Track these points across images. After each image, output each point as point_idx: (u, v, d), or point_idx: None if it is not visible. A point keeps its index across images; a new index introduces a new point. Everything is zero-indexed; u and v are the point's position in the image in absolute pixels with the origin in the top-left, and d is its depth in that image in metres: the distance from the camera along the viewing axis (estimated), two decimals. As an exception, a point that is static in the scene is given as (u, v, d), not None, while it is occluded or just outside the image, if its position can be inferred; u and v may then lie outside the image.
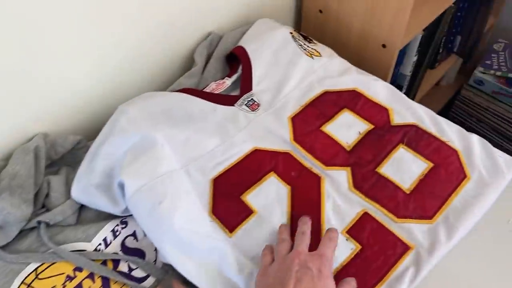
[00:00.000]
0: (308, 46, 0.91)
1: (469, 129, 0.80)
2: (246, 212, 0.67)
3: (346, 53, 0.96)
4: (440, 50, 1.40)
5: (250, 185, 0.70)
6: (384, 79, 0.93)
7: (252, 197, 0.68)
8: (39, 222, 0.68)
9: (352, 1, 0.99)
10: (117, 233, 0.69)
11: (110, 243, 0.68)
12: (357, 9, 0.99)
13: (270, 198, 0.69)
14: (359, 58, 1.05)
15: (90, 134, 0.81)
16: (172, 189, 0.66)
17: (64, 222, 0.69)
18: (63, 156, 0.78)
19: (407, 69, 1.26)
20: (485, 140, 0.76)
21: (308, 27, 1.16)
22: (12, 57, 0.68)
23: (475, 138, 0.76)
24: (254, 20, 1.03)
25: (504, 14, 1.60)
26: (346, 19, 1.04)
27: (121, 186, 0.67)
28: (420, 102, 1.40)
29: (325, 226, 0.65)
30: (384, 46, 1.00)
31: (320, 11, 1.10)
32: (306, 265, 0.54)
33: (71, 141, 0.78)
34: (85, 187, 0.70)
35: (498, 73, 1.52)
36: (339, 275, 0.60)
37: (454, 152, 0.74)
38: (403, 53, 1.20)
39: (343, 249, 0.63)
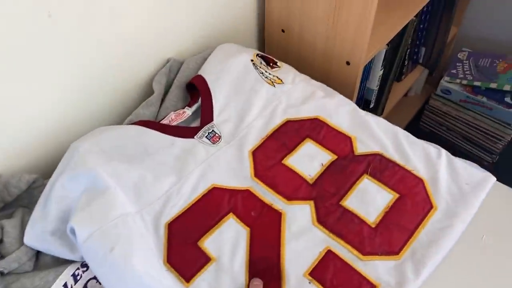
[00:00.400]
0: (269, 74, 0.88)
1: (440, 138, 0.79)
2: (204, 259, 0.63)
3: (311, 71, 0.95)
4: (406, 62, 1.39)
5: (208, 229, 0.66)
6: (350, 96, 0.93)
7: (209, 243, 0.65)
8: None
9: (313, 20, 0.97)
10: (78, 277, 0.65)
11: None
12: (318, 28, 0.98)
13: (229, 243, 0.65)
14: (324, 76, 1.04)
15: (47, 171, 0.77)
16: (125, 234, 0.62)
17: (20, 269, 0.65)
18: (18, 197, 0.73)
19: (374, 84, 1.25)
20: (453, 160, 0.75)
21: (272, 47, 1.14)
22: None
23: (443, 161, 0.74)
24: (216, 43, 1.00)
25: (466, 23, 1.62)
26: (309, 38, 1.02)
27: (74, 232, 0.63)
28: (389, 114, 1.42)
29: (286, 269, 0.62)
30: (348, 63, 0.98)
31: (283, 31, 1.08)
32: None
33: (26, 180, 0.73)
34: (39, 234, 0.66)
35: (464, 82, 1.53)
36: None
37: (419, 181, 0.72)
38: (368, 68, 1.19)
39: (307, 295, 0.60)
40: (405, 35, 1.18)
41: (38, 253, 0.68)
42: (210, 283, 0.61)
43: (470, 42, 1.65)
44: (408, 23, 1.14)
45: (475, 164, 0.76)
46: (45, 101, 0.77)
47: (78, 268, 0.66)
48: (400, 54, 1.23)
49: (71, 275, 0.65)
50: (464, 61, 1.60)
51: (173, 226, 0.66)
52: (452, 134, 1.66)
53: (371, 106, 1.32)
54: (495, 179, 0.72)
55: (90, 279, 0.66)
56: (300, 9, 0.99)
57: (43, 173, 0.78)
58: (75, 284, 0.64)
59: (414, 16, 1.15)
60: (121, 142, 0.73)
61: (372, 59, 1.17)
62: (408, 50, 1.34)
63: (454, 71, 1.57)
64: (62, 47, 0.74)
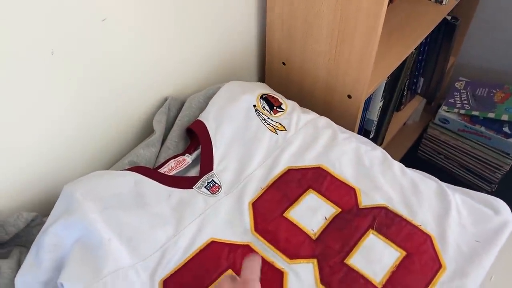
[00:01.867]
0: (272, 120, 0.85)
1: (438, 166, 0.77)
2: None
3: (312, 104, 0.94)
4: (405, 93, 1.38)
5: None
6: (352, 128, 0.91)
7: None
8: None
9: (315, 53, 0.96)
10: None
11: None
12: (320, 61, 0.96)
13: None
14: (326, 108, 1.02)
15: (46, 209, 0.74)
16: None
17: None
18: (15, 235, 0.71)
19: (374, 115, 1.23)
20: (462, 212, 0.72)
21: (272, 79, 1.13)
22: None
23: (452, 214, 0.72)
24: (216, 78, 0.98)
25: (463, 53, 1.61)
26: (310, 71, 1.00)
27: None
28: (388, 143, 1.40)
29: None
30: (349, 96, 0.97)
31: (284, 63, 1.06)
32: None
33: (25, 219, 0.71)
34: (31, 284, 0.63)
35: (462, 111, 1.52)
36: None
37: (427, 238, 0.69)
38: (369, 99, 1.18)
39: None
40: (405, 67, 1.17)
41: None
42: None
43: (467, 72, 1.64)
44: (408, 55, 1.13)
45: (493, 198, 0.74)
46: (42, 138, 0.75)
47: None
48: (399, 85, 1.22)
49: None
50: (461, 91, 1.59)
51: (168, 284, 0.63)
52: (450, 162, 1.64)
53: (371, 136, 1.30)
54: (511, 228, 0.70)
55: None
56: (301, 43, 0.97)
57: (41, 211, 0.75)
58: None
59: (414, 49, 1.13)
60: (118, 190, 0.70)
61: (372, 92, 1.16)
62: (407, 81, 1.33)
63: (451, 100, 1.56)
64: (62, 83, 0.72)
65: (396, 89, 1.22)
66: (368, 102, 1.19)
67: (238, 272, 0.65)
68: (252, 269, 0.53)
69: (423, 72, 1.40)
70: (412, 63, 1.27)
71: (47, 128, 0.74)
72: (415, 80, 1.40)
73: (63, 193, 0.68)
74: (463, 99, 1.56)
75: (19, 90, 0.66)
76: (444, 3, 1.15)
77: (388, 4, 1.14)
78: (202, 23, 0.92)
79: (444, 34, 1.25)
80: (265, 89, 0.92)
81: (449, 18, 1.21)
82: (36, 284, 0.62)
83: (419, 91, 1.46)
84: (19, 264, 0.67)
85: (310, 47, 0.95)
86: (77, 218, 0.64)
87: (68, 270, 0.60)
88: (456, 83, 1.61)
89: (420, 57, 1.32)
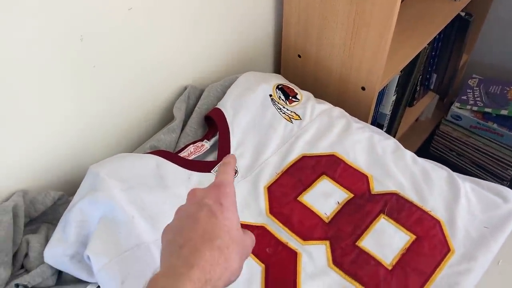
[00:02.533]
0: (287, 109, 0.88)
1: (450, 163, 0.79)
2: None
3: (327, 95, 0.96)
4: (418, 88, 1.39)
5: (223, 266, 0.66)
6: (365, 120, 0.93)
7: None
8: (17, 285, 0.65)
9: (330, 46, 0.99)
10: None
11: None
12: (335, 54, 0.99)
13: (243, 278, 0.65)
14: (340, 100, 1.04)
15: (72, 188, 0.78)
16: (136, 268, 0.62)
17: (43, 283, 0.67)
18: (43, 213, 0.75)
19: (387, 108, 1.25)
20: (471, 198, 0.74)
21: (288, 71, 1.16)
22: None
23: (462, 201, 0.74)
24: (234, 68, 1.01)
25: (477, 50, 1.62)
26: (325, 63, 1.03)
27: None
28: (400, 138, 1.41)
29: (305, 315, 0.62)
30: (363, 88, 0.99)
31: (299, 56, 1.09)
32: (202, 202, 0.44)
33: (52, 197, 0.75)
34: (59, 257, 0.67)
35: (475, 108, 1.53)
36: None
37: (436, 222, 0.71)
38: (382, 93, 1.20)
39: None
40: (418, 62, 1.19)
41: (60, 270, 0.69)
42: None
43: (481, 69, 1.65)
44: (421, 50, 1.15)
45: (502, 187, 0.76)
46: (68, 121, 0.78)
47: (99, 286, 0.66)
48: (413, 80, 1.24)
49: None
50: (474, 88, 1.60)
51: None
52: (462, 159, 1.65)
53: (384, 130, 1.32)
54: None
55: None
56: (317, 35, 1.00)
57: (66, 190, 0.79)
58: None
59: (427, 44, 1.15)
60: (141, 172, 0.73)
61: (386, 85, 1.18)
62: (420, 77, 1.35)
63: (464, 97, 1.57)
64: (88, 69, 0.75)
65: (409, 83, 1.24)
66: (381, 96, 1.21)
67: (254, 250, 0.68)
68: (225, 172, 0.49)
69: (436, 68, 1.41)
70: (426, 59, 1.29)
71: (74, 112, 0.78)
72: (428, 76, 1.42)
73: (89, 173, 0.71)
74: (476, 96, 1.57)
75: (49, 74, 0.70)
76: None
77: (403, 0, 1.16)
78: (221, 15, 0.95)
79: (458, 30, 1.27)
80: (281, 79, 0.95)
81: (463, 14, 1.23)
82: (63, 257, 0.66)
83: (432, 87, 1.47)
84: (47, 239, 0.71)
85: (326, 39, 0.98)
86: (102, 196, 0.67)
87: (94, 244, 0.64)
88: (469, 80, 1.62)
89: (433, 53, 1.34)
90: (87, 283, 0.67)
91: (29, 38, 0.64)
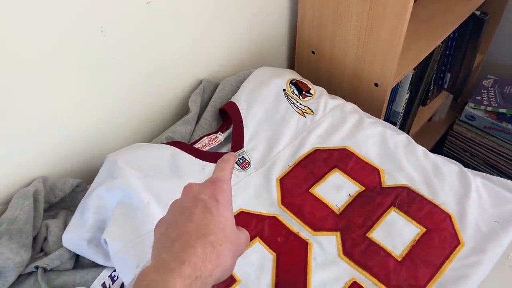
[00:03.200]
0: (301, 104, 0.89)
1: (463, 163, 0.80)
2: (229, 280, 0.65)
3: (340, 92, 0.97)
4: (431, 87, 1.40)
5: (234, 252, 0.67)
6: (378, 116, 0.94)
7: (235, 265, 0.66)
8: (37, 267, 0.68)
9: (344, 42, 1.00)
10: (115, 278, 0.69)
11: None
12: (349, 50, 1.00)
13: (254, 266, 0.67)
14: (353, 96, 1.06)
15: (89, 176, 0.80)
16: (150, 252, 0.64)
17: (61, 267, 0.70)
18: (62, 199, 0.78)
19: (400, 107, 1.26)
20: (483, 193, 0.75)
21: (302, 67, 1.17)
22: (11, 99, 0.69)
23: (473, 196, 0.74)
24: (248, 63, 1.03)
25: (492, 51, 1.61)
26: (338, 59, 1.04)
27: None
28: (413, 138, 1.41)
29: (314, 300, 0.63)
30: (376, 85, 1.01)
31: (313, 52, 1.10)
32: (198, 197, 0.44)
33: (71, 184, 0.78)
34: (76, 241, 0.69)
35: (489, 109, 1.52)
36: None
37: (447, 216, 0.72)
38: (395, 91, 1.21)
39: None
40: (432, 61, 1.20)
41: (77, 254, 0.72)
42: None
43: (496, 70, 1.64)
44: (435, 49, 1.16)
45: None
46: (86, 111, 0.81)
47: (114, 271, 0.69)
48: (426, 78, 1.24)
49: (109, 276, 0.68)
50: (489, 88, 1.59)
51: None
52: (476, 160, 1.65)
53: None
54: None
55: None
56: (331, 32, 1.01)
57: (84, 178, 0.82)
58: (112, 284, 0.68)
59: (441, 43, 1.16)
60: (157, 161, 0.76)
61: (399, 82, 1.18)
62: (434, 75, 1.35)
63: (479, 97, 1.57)
64: (107, 60, 0.78)
65: (422, 82, 1.24)
66: (394, 94, 1.21)
67: (264, 238, 0.70)
68: (223, 169, 0.49)
69: (450, 68, 1.41)
70: (439, 58, 1.29)
71: (93, 102, 0.80)
72: (441, 75, 1.42)
73: (107, 161, 0.74)
74: (490, 96, 1.57)
75: (69, 64, 0.73)
76: (473, -2, 1.17)
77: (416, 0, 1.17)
78: (237, 11, 0.97)
79: (472, 29, 1.27)
80: (294, 75, 0.96)
81: (478, 13, 1.23)
82: (80, 241, 0.68)
83: (445, 86, 1.47)
84: (65, 224, 0.73)
85: (340, 36, 0.99)
86: (119, 183, 0.69)
87: (111, 228, 0.66)
88: (484, 80, 1.62)
89: (447, 52, 1.34)
90: (103, 267, 0.69)
91: (53, 26, 0.67)
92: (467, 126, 1.60)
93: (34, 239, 0.71)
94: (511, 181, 0.78)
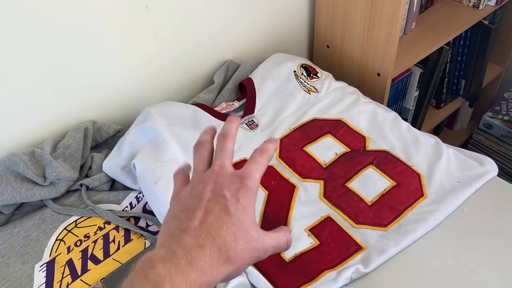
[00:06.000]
0: (308, 84, 1.05)
1: None
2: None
3: (349, 81, 1.11)
4: (444, 91, 1.50)
5: (234, 187, 0.84)
6: (381, 103, 1.07)
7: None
8: (81, 185, 0.87)
9: (352, 36, 1.16)
10: (140, 199, 0.88)
11: (135, 206, 0.86)
12: (356, 43, 1.16)
13: None
14: (360, 85, 1.19)
15: (129, 125, 0.98)
16: (168, 173, 0.81)
17: (100, 187, 0.90)
18: (105, 141, 0.99)
19: (410, 103, 1.38)
20: (452, 161, 0.87)
21: (318, 59, 1.34)
22: (75, 56, 0.89)
23: (442, 163, 0.86)
24: (271, 50, 1.21)
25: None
26: (348, 52, 1.20)
27: (135, 167, 0.85)
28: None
29: (291, 223, 0.78)
30: (378, 74, 1.15)
31: (328, 46, 1.27)
32: (221, 192, 0.43)
33: (114, 129, 0.98)
34: (113, 167, 0.89)
35: (506, 118, 1.60)
36: (294, 260, 0.72)
37: (416, 175, 0.84)
38: (405, 88, 1.33)
39: (303, 242, 0.75)
40: (440, 62, 1.31)
41: (113, 180, 0.92)
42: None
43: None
44: (442, 51, 1.28)
45: (483, 157, 0.87)
46: (132, 73, 1.01)
47: (140, 193, 0.88)
48: (434, 79, 1.36)
49: (135, 197, 0.88)
50: (509, 100, 1.67)
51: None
52: (492, 168, 1.71)
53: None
54: (491, 175, 0.83)
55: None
56: (341, 27, 1.17)
57: (125, 126, 1.00)
58: (137, 203, 0.87)
59: (448, 46, 1.28)
60: (181, 115, 0.95)
61: (408, 80, 1.31)
62: (447, 80, 1.46)
63: (497, 107, 1.65)
64: (151, 34, 0.98)
65: (431, 82, 1.36)
66: (404, 91, 1.34)
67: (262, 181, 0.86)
68: (258, 162, 0.48)
69: (464, 75, 1.52)
70: (450, 62, 1.40)
71: (137, 67, 1.01)
72: (455, 81, 1.52)
73: (143, 111, 0.93)
74: (509, 107, 1.64)
75: (120, 37, 0.94)
76: (481, 7, 1.28)
77: (428, 7, 1.31)
78: (262, 5, 1.16)
79: (482, 37, 1.38)
80: (306, 61, 1.13)
81: (486, 22, 1.34)
82: (116, 167, 0.88)
83: (461, 92, 1.57)
84: (106, 157, 0.93)
85: (348, 30, 1.15)
86: (150, 125, 0.88)
87: (139, 156, 0.85)
88: (506, 93, 1.69)
89: (459, 58, 1.45)
90: (132, 190, 0.89)
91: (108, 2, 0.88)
92: (485, 135, 1.68)
93: (82, 166, 0.91)
94: (481, 155, 0.89)
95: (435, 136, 0.94)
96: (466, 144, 1.81)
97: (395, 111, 1.01)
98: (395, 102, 1.35)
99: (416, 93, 1.34)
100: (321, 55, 1.31)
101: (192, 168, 0.51)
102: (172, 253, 0.39)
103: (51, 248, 0.79)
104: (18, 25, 0.79)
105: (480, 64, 1.44)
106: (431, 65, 1.31)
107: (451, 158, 0.88)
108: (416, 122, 1.45)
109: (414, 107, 1.39)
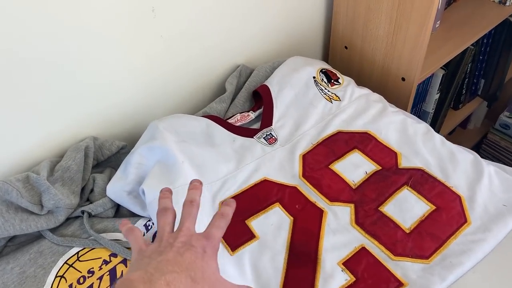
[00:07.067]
0: (329, 91, 0.96)
1: None
2: (249, 235, 0.73)
3: (370, 85, 1.03)
4: (463, 92, 1.42)
5: (255, 212, 0.76)
6: (404, 110, 0.99)
7: (256, 223, 0.74)
8: (83, 212, 0.78)
9: (374, 38, 1.07)
10: (149, 227, 0.78)
11: (144, 235, 0.77)
12: (378, 45, 1.07)
13: (273, 226, 0.74)
14: (381, 90, 1.11)
15: (134, 141, 0.90)
16: (181, 200, 0.71)
17: (104, 214, 0.80)
18: (108, 158, 0.89)
19: (430, 106, 1.30)
20: (495, 181, 0.79)
21: (335, 61, 1.25)
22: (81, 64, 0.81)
23: (484, 182, 0.78)
24: (284, 53, 1.11)
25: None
26: (369, 54, 1.11)
27: (144, 193, 0.76)
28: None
29: (322, 256, 0.70)
30: (403, 79, 1.06)
31: (346, 47, 1.17)
32: (190, 243, 0.48)
33: (117, 146, 0.89)
34: (118, 192, 0.80)
35: (524, 118, 1.53)
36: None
37: (457, 197, 0.76)
38: (425, 90, 1.25)
39: (338, 279, 0.67)
40: (463, 63, 1.23)
41: (118, 205, 0.83)
42: (253, 255, 0.70)
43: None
44: (467, 51, 1.19)
45: None
46: (135, 83, 0.92)
47: (149, 220, 0.79)
48: (456, 80, 1.27)
49: (143, 225, 0.78)
50: (527, 99, 1.60)
51: (226, 205, 0.76)
52: (508, 169, 1.65)
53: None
54: None
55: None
56: (363, 28, 1.08)
57: (129, 142, 0.92)
58: (146, 232, 0.78)
59: (473, 46, 1.19)
60: (193, 129, 0.86)
61: (429, 82, 1.23)
62: (467, 80, 1.38)
63: (515, 107, 1.58)
64: (156, 39, 0.89)
65: (453, 84, 1.28)
66: (424, 93, 1.25)
67: (283, 204, 0.77)
68: (219, 227, 0.52)
69: (484, 74, 1.43)
70: (472, 62, 1.32)
71: (142, 76, 0.91)
72: (475, 81, 1.44)
73: (150, 126, 0.84)
74: (527, 107, 1.57)
75: (124, 41, 0.83)
76: (507, 4, 1.19)
77: (452, 3, 1.22)
78: (274, 5, 1.06)
79: (506, 35, 1.29)
80: (325, 65, 1.03)
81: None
82: (122, 192, 0.78)
83: (479, 92, 1.49)
84: (110, 179, 0.83)
85: (370, 31, 1.05)
86: (159, 144, 0.79)
87: (149, 181, 0.75)
88: (524, 92, 1.62)
89: (480, 57, 1.36)
90: (139, 217, 0.79)
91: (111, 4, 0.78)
92: (501, 135, 1.61)
93: (82, 189, 0.81)
94: None
95: (472, 151, 0.86)
96: (480, 144, 1.74)
97: (415, 113, 0.92)
98: (414, 106, 1.27)
99: (437, 96, 1.26)
100: (338, 57, 1.21)
101: (157, 229, 0.54)
102: (150, 275, 0.42)
103: (50, 286, 0.70)
104: (15, 34, 0.69)
105: (503, 63, 1.36)
106: (454, 66, 1.23)
107: (493, 177, 0.80)
108: (435, 126, 1.36)
109: (433, 110, 1.30)
